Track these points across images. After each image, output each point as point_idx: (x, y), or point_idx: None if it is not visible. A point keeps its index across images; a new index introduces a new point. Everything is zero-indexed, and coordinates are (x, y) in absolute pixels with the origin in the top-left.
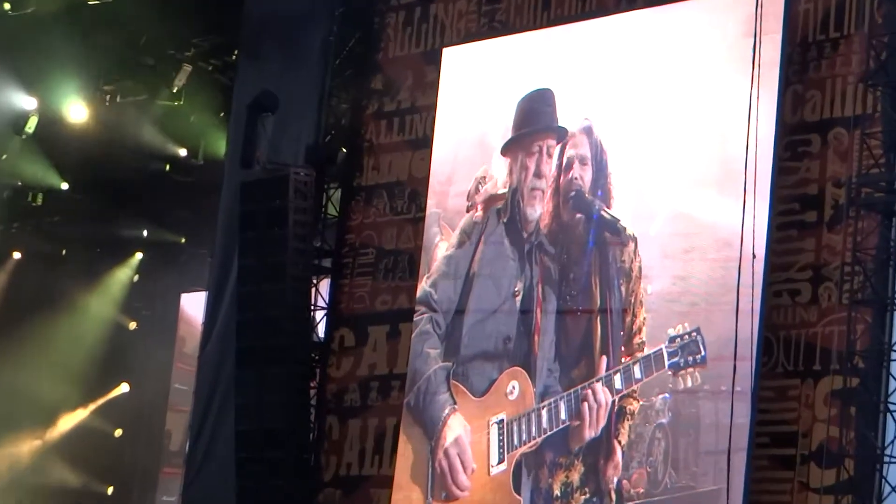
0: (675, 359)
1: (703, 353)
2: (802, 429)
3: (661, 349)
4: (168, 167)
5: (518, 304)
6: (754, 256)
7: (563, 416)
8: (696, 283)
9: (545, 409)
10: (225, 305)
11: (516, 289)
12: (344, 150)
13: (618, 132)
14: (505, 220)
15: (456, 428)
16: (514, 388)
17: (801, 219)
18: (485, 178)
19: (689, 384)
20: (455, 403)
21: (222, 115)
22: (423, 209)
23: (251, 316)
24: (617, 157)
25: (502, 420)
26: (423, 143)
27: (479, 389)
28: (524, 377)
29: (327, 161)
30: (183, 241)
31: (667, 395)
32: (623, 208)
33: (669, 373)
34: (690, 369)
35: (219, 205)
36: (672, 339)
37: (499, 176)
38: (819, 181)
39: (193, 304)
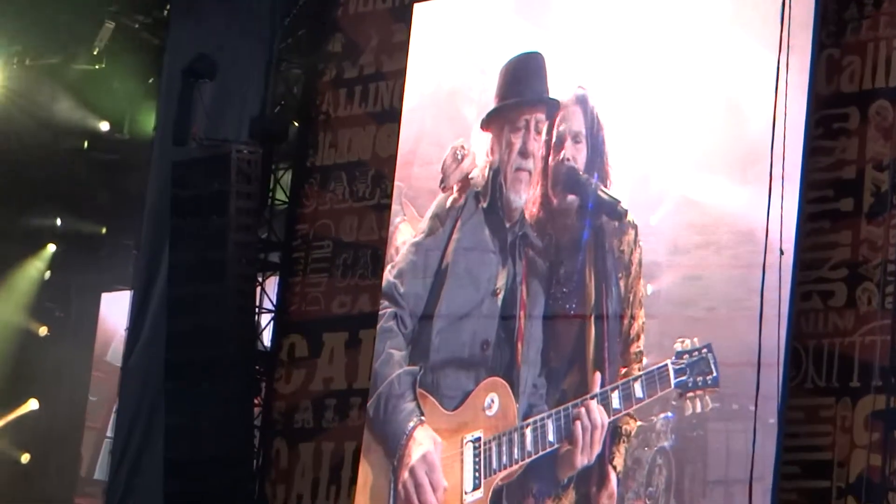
0: (683, 378)
1: (714, 373)
2: (839, 457)
3: (665, 365)
4: (86, 143)
5: (499, 305)
6: (781, 252)
7: (550, 437)
8: (711, 284)
9: (529, 428)
10: (153, 308)
11: (497, 286)
12: (296, 123)
13: (618, 104)
14: (484, 205)
15: (424, 442)
16: (492, 401)
17: (835, 207)
18: (461, 152)
19: (698, 408)
20: (422, 415)
21: (151, 81)
22: (390, 195)
23: (184, 321)
24: (616, 133)
25: (478, 439)
26: (390, 117)
27: (451, 401)
28: (505, 390)
29: (276, 137)
30: (104, 231)
31: (669, 414)
32: (622, 193)
33: (675, 393)
34: (699, 392)
35: (146, 188)
36: (679, 355)
37: (478, 153)
38: (857, 163)
39: (116, 306)
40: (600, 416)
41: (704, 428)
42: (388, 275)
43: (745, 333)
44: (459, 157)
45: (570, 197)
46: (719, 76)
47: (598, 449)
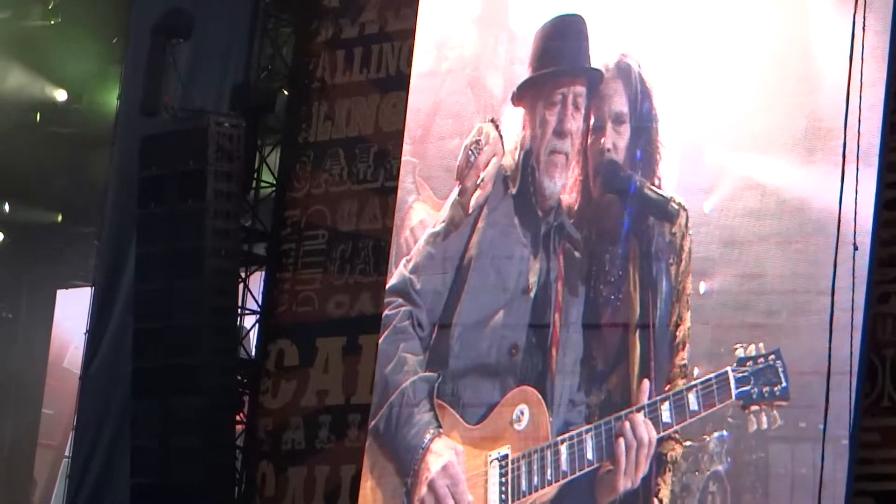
0: (746, 388)
1: (783, 383)
2: None
3: (725, 373)
4: (39, 115)
5: (530, 305)
6: (855, 247)
7: (589, 455)
8: (772, 283)
9: (565, 444)
10: (118, 308)
11: (528, 284)
12: (285, 92)
13: (666, 73)
14: (514, 191)
15: (444, 453)
16: (522, 414)
17: None
18: (475, 149)
19: (764, 424)
20: (440, 427)
21: (115, 40)
22: (396, 176)
23: (153, 323)
24: (665, 107)
25: (506, 456)
26: (396, 84)
27: (474, 414)
28: (536, 401)
29: (262, 107)
30: (59, 218)
31: (724, 432)
32: (670, 175)
33: (734, 406)
34: (765, 405)
35: (110, 168)
36: (742, 362)
37: (508, 132)
38: None
39: (74, 305)
40: (647, 433)
41: (766, 450)
42: (403, 269)
43: (812, 341)
44: (473, 157)
45: (610, 196)
46: (783, 39)
47: (643, 470)
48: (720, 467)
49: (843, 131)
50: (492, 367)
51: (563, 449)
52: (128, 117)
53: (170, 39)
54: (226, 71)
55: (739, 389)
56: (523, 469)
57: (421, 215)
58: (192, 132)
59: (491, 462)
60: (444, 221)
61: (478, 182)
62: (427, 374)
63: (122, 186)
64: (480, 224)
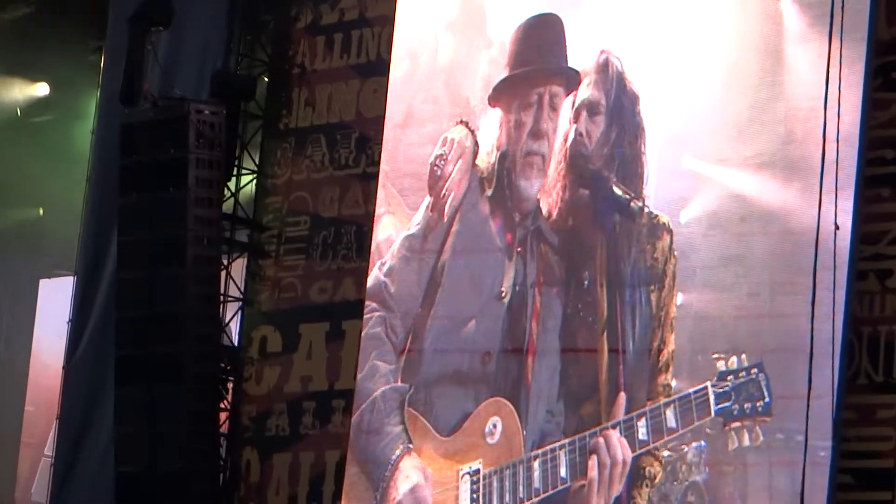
0: (726, 403)
1: (766, 398)
2: None
3: (705, 388)
4: (18, 111)
5: (504, 311)
6: (837, 227)
7: (562, 473)
8: (753, 266)
9: (538, 461)
10: (101, 297)
11: (503, 289)
12: (266, 78)
13: (646, 69)
14: (489, 192)
15: (412, 474)
16: (495, 426)
17: (894, 171)
18: (440, 163)
19: (745, 441)
20: (410, 442)
21: (93, 28)
22: (377, 161)
23: (136, 311)
24: (645, 102)
25: (477, 471)
26: (377, 69)
27: (446, 424)
28: (510, 413)
29: (242, 94)
30: (41, 210)
31: (702, 443)
32: (651, 175)
33: (715, 422)
34: (748, 421)
35: (88, 157)
36: (722, 376)
37: (484, 133)
38: None
39: (57, 294)
40: (622, 450)
41: (743, 460)
42: (378, 272)
43: (797, 324)
44: (439, 171)
45: (583, 191)
46: (759, 18)
47: (617, 490)
48: (698, 477)
49: (823, 111)
50: (465, 374)
51: (536, 465)
52: (107, 105)
53: (149, 28)
54: (205, 58)
55: (719, 406)
56: (495, 485)
57: (388, 231)
58: (172, 120)
59: (462, 476)
60: (419, 224)
61: (444, 192)
62: (398, 385)
63: (102, 175)
64: (455, 227)
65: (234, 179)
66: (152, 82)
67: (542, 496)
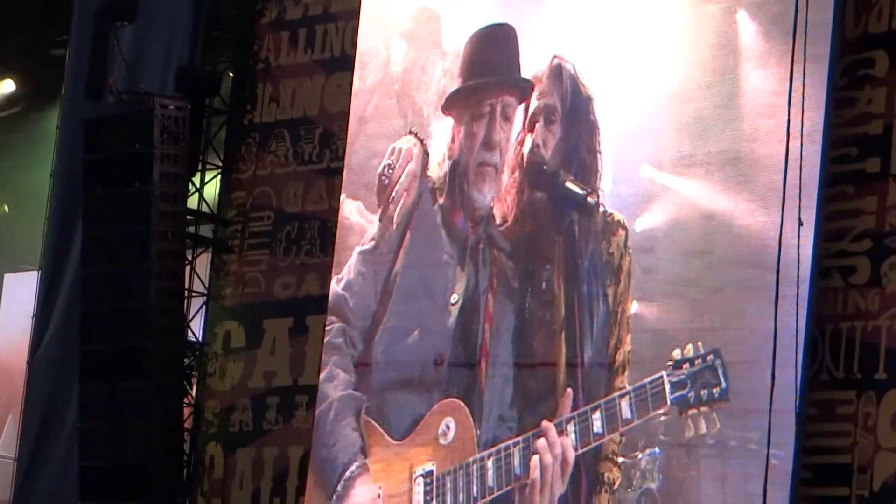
0: (682, 392)
1: (723, 384)
2: (860, 461)
3: (660, 377)
4: None
5: (455, 316)
6: (800, 223)
7: (517, 469)
8: (716, 260)
9: (492, 459)
10: (65, 291)
11: (454, 295)
12: (230, 74)
13: (600, 70)
14: (441, 201)
15: (361, 495)
16: (448, 428)
17: (858, 168)
18: (387, 173)
19: (704, 429)
20: (366, 457)
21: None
22: (341, 157)
23: (100, 306)
24: (600, 102)
25: (430, 472)
26: (342, 64)
27: (399, 428)
28: (463, 414)
29: (207, 89)
30: (6, 207)
31: (656, 449)
32: (608, 175)
33: (668, 414)
34: (704, 408)
35: (53, 152)
36: (678, 364)
37: (436, 143)
38: (885, 116)
39: (22, 289)
40: (563, 448)
41: (697, 465)
42: (336, 286)
43: (760, 320)
44: (387, 180)
45: (539, 194)
46: (721, 16)
47: (560, 488)
48: (652, 485)
49: (787, 107)
50: (416, 380)
51: (490, 464)
52: (72, 100)
53: (114, 22)
54: (170, 54)
55: (675, 394)
56: (448, 486)
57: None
58: (136, 115)
59: (416, 479)
60: (373, 239)
61: (391, 199)
62: (355, 392)
63: (67, 169)
64: (407, 236)
65: (198, 175)
66: (117, 77)
67: (497, 493)
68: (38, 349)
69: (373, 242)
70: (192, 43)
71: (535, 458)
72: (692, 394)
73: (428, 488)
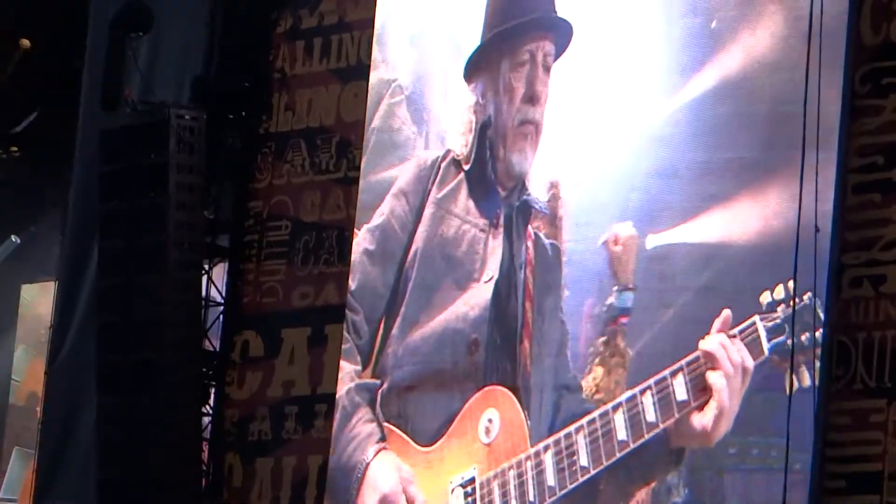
0: (781, 338)
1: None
2: (890, 468)
3: (753, 322)
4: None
5: (490, 296)
6: (817, 230)
7: (583, 462)
8: (732, 267)
9: (550, 452)
10: (82, 303)
11: (488, 272)
12: (246, 84)
13: (611, 81)
14: (467, 167)
15: (381, 480)
16: (490, 422)
17: (886, 177)
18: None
19: (807, 382)
20: (384, 439)
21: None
22: (358, 166)
23: (117, 317)
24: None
25: (472, 479)
26: (357, 74)
27: (426, 432)
28: (508, 401)
29: (223, 99)
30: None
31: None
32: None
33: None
34: (803, 356)
35: (71, 163)
36: (771, 306)
37: (455, 117)
38: None
39: (40, 299)
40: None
41: (721, 480)
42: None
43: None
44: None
45: None
46: (738, 25)
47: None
48: (678, 499)
49: (802, 116)
50: (447, 372)
51: (548, 458)
52: (88, 111)
53: (129, 33)
54: (186, 64)
55: (773, 341)
56: (496, 492)
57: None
58: (152, 125)
59: (453, 490)
60: (382, 214)
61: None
62: (367, 381)
63: (83, 180)
64: (427, 210)
65: (214, 184)
66: (133, 88)
67: (560, 494)
68: (55, 362)
69: (382, 219)
70: (207, 53)
71: (715, 374)
72: (791, 338)
73: (470, 499)
